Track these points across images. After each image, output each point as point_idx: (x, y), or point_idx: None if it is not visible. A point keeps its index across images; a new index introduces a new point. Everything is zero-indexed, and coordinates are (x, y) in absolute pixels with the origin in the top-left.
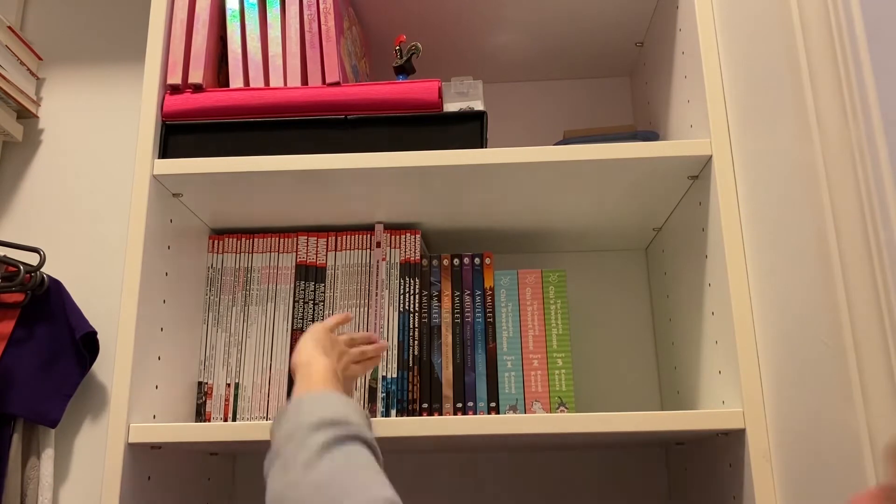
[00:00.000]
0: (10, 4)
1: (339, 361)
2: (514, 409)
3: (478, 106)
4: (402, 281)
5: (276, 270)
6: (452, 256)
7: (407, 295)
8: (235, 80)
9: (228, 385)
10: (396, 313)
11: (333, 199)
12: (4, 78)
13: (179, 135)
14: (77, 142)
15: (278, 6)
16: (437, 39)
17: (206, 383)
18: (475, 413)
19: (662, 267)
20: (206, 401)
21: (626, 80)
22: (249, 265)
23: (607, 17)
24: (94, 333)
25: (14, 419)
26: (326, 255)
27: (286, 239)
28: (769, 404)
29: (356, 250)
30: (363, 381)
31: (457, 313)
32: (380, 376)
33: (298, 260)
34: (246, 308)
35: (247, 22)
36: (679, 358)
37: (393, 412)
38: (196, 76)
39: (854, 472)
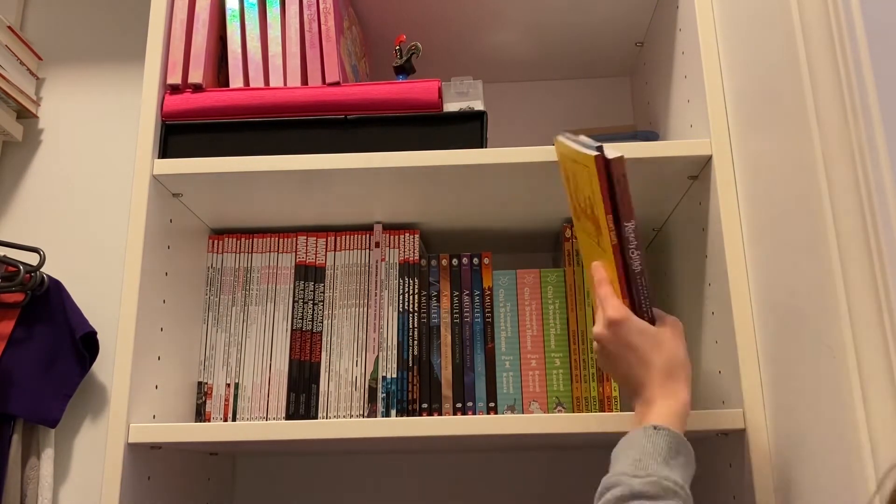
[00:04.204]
0: (10, 4)
1: None
2: (511, 409)
3: (478, 106)
4: (401, 281)
5: (275, 270)
6: (451, 256)
7: (406, 295)
8: (235, 80)
9: (228, 385)
10: (396, 313)
11: (333, 199)
12: (4, 78)
13: (179, 135)
14: (77, 142)
15: (278, 6)
16: (437, 39)
17: (206, 383)
18: (475, 413)
19: (662, 267)
20: (205, 401)
21: (626, 80)
22: (249, 265)
23: (607, 17)
24: (94, 333)
25: (14, 419)
26: (326, 255)
27: (286, 239)
28: (769, 404)
29: (355, 250)
30: (363, 380)
31: (455, 313)
32: (380, 376)
33: (298, 260)
34: (246, 308)
35: (247, 22)
36: None
37: (393, 412)
38: (196, 76)
39: (854, 472)
